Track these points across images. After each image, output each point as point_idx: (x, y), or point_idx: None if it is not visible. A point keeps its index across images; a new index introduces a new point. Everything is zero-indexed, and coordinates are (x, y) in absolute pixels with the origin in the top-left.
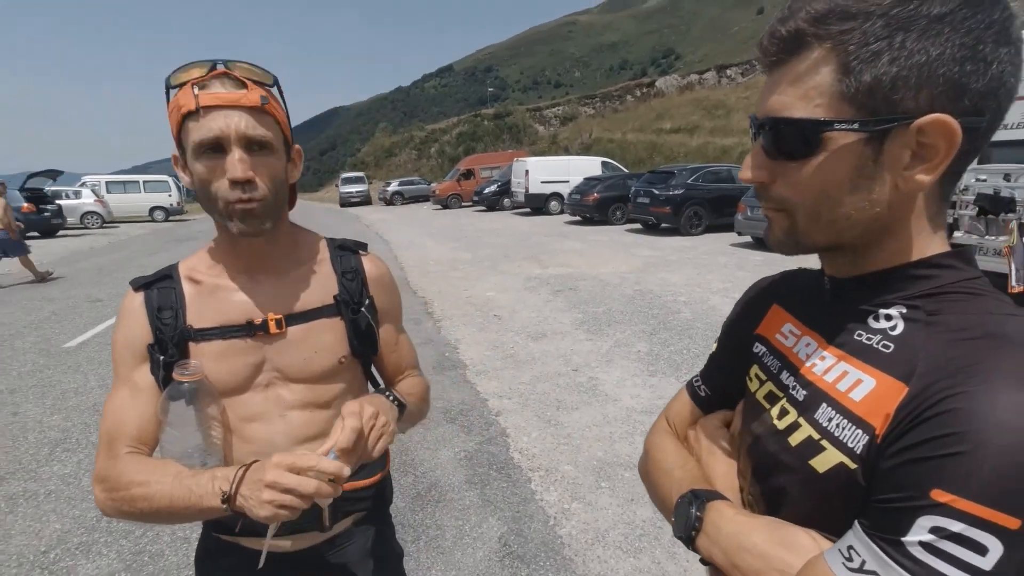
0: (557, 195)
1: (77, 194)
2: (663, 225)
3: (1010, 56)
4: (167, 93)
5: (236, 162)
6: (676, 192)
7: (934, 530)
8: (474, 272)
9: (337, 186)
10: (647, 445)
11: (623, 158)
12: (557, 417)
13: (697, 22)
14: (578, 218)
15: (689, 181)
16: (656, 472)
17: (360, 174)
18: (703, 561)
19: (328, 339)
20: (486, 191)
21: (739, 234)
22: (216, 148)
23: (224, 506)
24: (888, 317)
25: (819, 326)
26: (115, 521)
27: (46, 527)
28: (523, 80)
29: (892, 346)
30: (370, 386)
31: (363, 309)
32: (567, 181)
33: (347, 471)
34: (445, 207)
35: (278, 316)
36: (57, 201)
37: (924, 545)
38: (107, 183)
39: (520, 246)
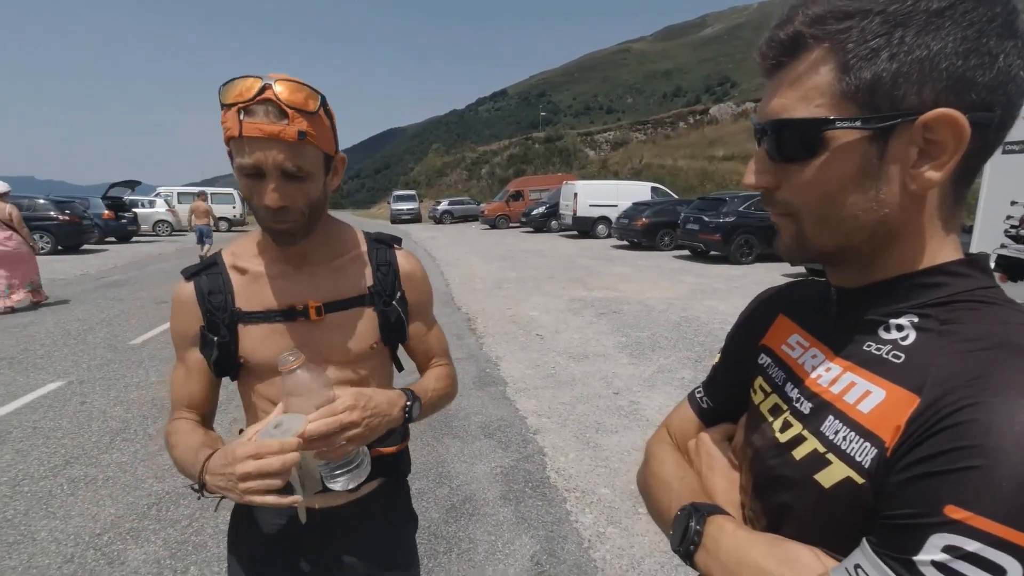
0: (605, 219)
1: (151, 203)
2: (712, 253)
3: (1017, 49)
4: (219, 96)
5: (271, 191)
6: (727, 219)
7: (948, 549)
8: (518, 291)
9: (389, 203)
10: (646, 454)
11: (673, 184)
12: (596, 439)
13: (754, 51)
14: (625, 243)
15: (741, 209)
16: (654, 483)
17: (412, 192)
18: None
19: (361, 326)
20: (534, 212)
21: (793, 264)
22: (256, 174)
23: (199, 494)
24: (899, 327)
25: (826, 337)
26: (164, 511)
27: (102, 511)
28: (575, 105)
29: (903, 356)
30: (394, 370)
31: (394, 303)
32: (615, 205)
33: (295, 443)
34: (493, 227)
35: (318, 304)
36: (133, 209)
37: (937, 565)
38: (179, 194)
39: (566, 268)
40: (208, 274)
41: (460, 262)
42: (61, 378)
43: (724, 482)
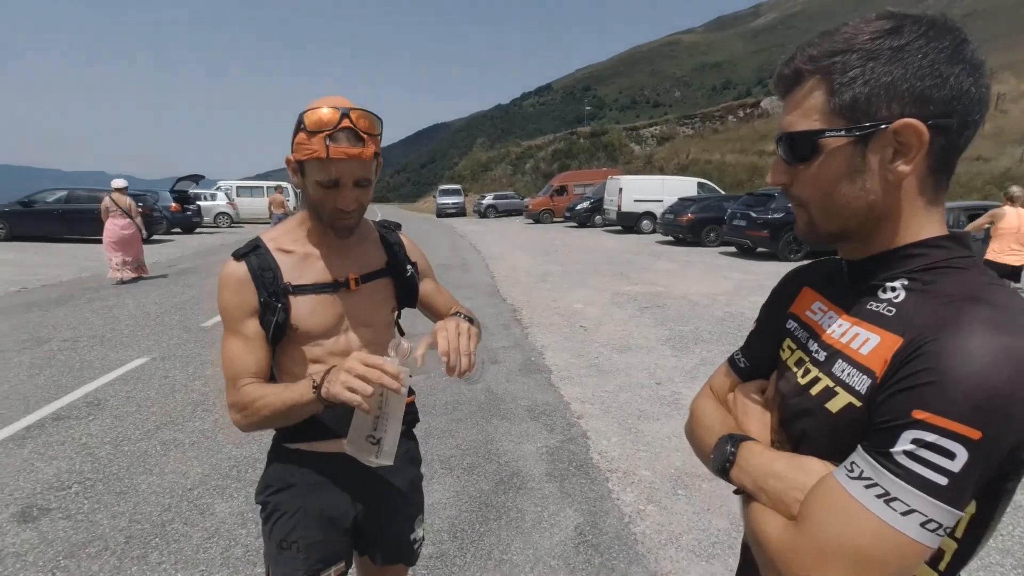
0: (650, 214)
1: (213, 197)
2: (759, 249)
3: (966, 72)
4: (300, 122)
5: (348, 198)
6: (775, 215)
7: (914, 441)
8: (562, 285)
9: (434, 197)
10: (692, 408)
11: (721, 180)
12: (638, 425)
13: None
14: (670, 238)
15: (791, 204)
16: (699, 429)
17: (457, 187)
18: (736, 491)
19: (384, 293)
20: (578, 207)
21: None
22: (334, 184)
23: (314, 394)
24: (893, 289)
25: (839, 301)
26: (243, 472)
27: (191, 469)
28: (621, 99)
29: (894, 310)
30: (396, 333)
31: (411, 272)
32: (660, 201)
33: (404, 375)
34: (537, 221)
35: (356, 276)
36: (197, 202)
37: (907, 453)
38: (237, 187)
39: (609, 262)
40: (256, 255)
41: (504, 256)
42: (145, 355)
43: (757, 425)
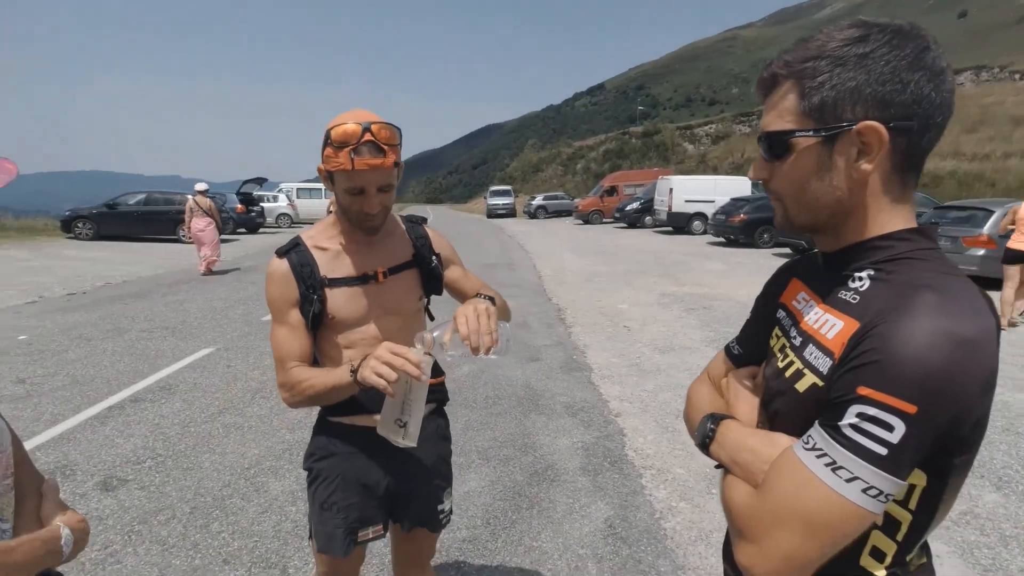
0: (701, 215)
1: (275, 198)
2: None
3: (926, 78)
4: (327, 136)
5: (372, 203)
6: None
7: (859, 415)
8: (608, 285)
9: (485, 198)
10: (688, 392)
11: None
12: (675, 425)
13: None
14: (722, 239)
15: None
16: (691, 410)
17: (507, 188)
18: (717, 466)
19: (411, 284)
20: (628, 208)
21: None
22: (359, 192)
23: (352, 377)
24: (860, 278)
25: (818, 290)
26: (295, 455)
27: (249, 450)
28: (675, 98)
29: (859, 298)
30: (427, 319)
31: (436, 262)
32: (712, 201)
33: (426, 363)
34: (586, 222)
35: (384, 269)
36: (260, 204)
37: (851, 426)
38: (297, 189)
39: (658, 263)
40: (297, 251)
41: (552, 256)
42: (211, 345)
43: (746, 407)
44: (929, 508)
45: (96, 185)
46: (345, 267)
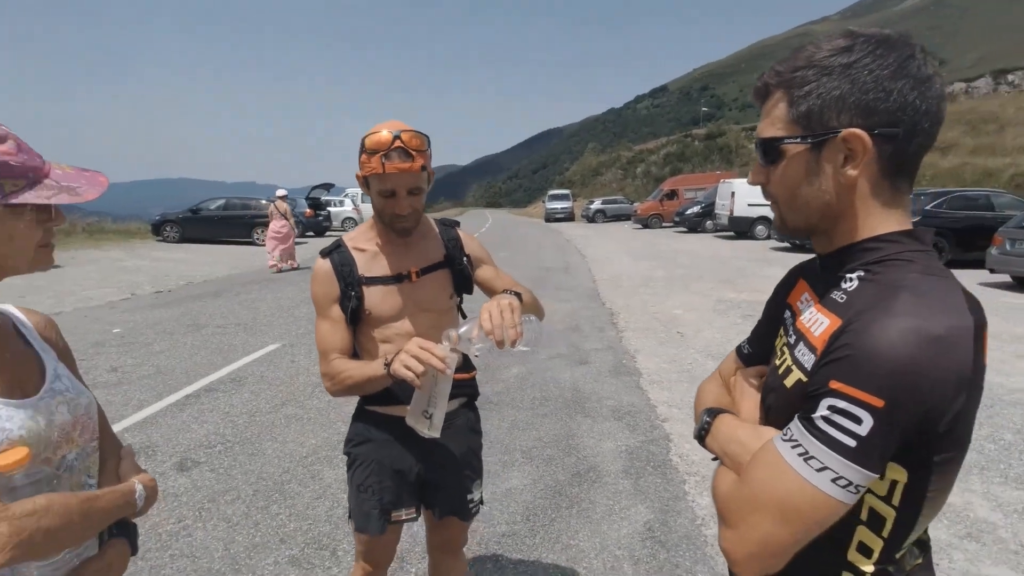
0: (764, 219)
1: (341, 203)
2: None
3: (910, 86)
4: (362, 145)
5: (403, 205)
6: (924, 228)
7: (830, 408)
8: (664, 290)
9: (543, 202)
10: (697, 390)
11: None
12: None
13: (969, 21)
14: (786, 244)
15: (928, 208)
16: (698, 406)
17: (566, 192)
18: (714, 459)
19: (443, 282)
20: (688, 212)
21: (991, 271)
22: (391, 194)
23: (386, 369)
24: (851, 280)
25: (817, 290)
26: None
27: (307, 440)
28: (741, 98)
29: (846, 297)
30: (459, 317)
31: (465, 263)
32: None
33: (452, 359)
34: (645, 226)
35: (417, 269)
36: (328, 208)
37: (823, 418)
38: (361, 194)
39: (717, 269)
40: (338, 252)
41: (609, 260)
42: (278, 341)
43: (750, 404)
44: (913, 505)
45: (183, 191)
46: (381, 267)
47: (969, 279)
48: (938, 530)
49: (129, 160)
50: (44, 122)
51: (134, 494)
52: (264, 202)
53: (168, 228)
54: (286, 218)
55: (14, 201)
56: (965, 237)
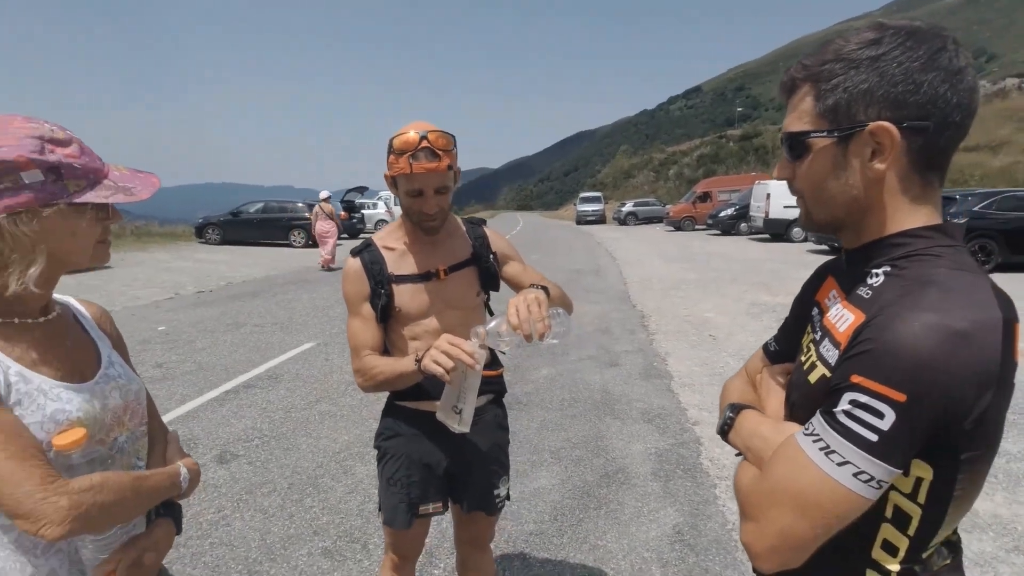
0: None
1: (374, 206)
2: None
3: (940, 78)
4: (390, 145)
5: (430, 204)
6: (956, 221)
7: (851, 402)
8: (696, 293)
9: (575, 205)
10: (723, 387)
11: None
12: None
13: (1021, 14)
14: (824, 247)
15: (976, 208)
16: (722, 403)
17: (598, 194)
18: (738, 454)
19: (470, 280)
20: (721, 214)
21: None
22: (419, 194)
23: (416, 365)
24: (876, 275)
25: (844, 287)
26: None
27: (340, 436)
28: (778, 98)
29: (871, 293)
30: (487, 314)
31: (492, 261)
32: None
33: (480, 355)
34: (678, 229)
35: (444, 267)
36: (362, 211)
37: (845, 412)
38: (395, 197)
39: (750, 272)
40: (368, 251)
41: (640, 262)
42: (313, 340)
43: (776, 402)
44: (939, 503)
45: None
46: (409, 265)
47: (1020, 284)
48: (984, 542)
49: (179, 165)
50: (102, 130)
51: (179, 476)
52: (300, 205)
53: (210, 231)
54: (332, 219)
55: (77, 200)
56: (1016, 239)
